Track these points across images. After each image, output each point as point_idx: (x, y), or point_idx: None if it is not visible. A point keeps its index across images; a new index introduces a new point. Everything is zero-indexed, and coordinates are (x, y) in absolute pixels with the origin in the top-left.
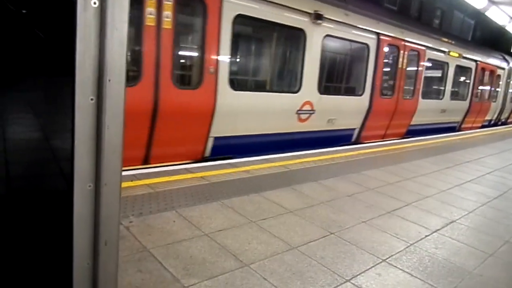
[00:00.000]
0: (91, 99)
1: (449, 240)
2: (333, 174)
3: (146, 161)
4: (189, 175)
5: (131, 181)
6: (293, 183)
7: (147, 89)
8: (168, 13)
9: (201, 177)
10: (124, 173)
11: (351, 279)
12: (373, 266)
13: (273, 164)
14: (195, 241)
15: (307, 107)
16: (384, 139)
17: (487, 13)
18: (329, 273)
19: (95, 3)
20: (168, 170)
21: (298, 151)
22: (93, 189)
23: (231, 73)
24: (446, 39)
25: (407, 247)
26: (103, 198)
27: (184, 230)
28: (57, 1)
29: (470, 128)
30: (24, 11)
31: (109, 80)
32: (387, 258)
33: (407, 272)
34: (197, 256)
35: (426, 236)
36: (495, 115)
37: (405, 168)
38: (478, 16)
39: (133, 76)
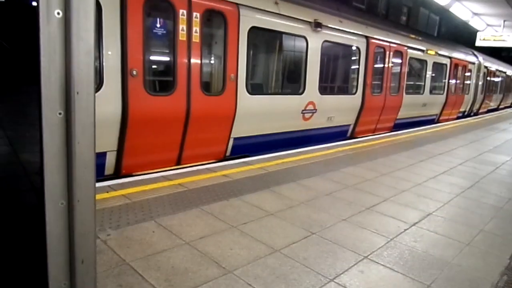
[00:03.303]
0: (59, 114)
1: (427, 232)
2: (311, 174)
3: (178, 162)
4: (166, 183)
5: (107, 192)
6: (272, 185)
7: (181, 97)
8: (196, 28)
9: (179, 184)
10: (98, 184)
11: (334, 278)
12: (355, 264)
13: (251, 166)
14: (176, 251)
15: (310, 107)
16: (375, 133)
17: (451, 9)
18: (312, 273)
19: (58, 13)
20: (144, 179)
21: (303, 147)
22: (66, 206)
23: (247, 78)
24: (422, 38)
25: (387, 242)
26: (77, 215)
27: (164, 240)
28: (20, 12)
29: (447, 120)
30: None
31: (77, 93)
32: (368, 255)
33: (388, 268)
34: (179, 266)
35: (405, 230)
36: (468, 107)
37: (381, 163)
38: (443, 12)
39: (169, 85)
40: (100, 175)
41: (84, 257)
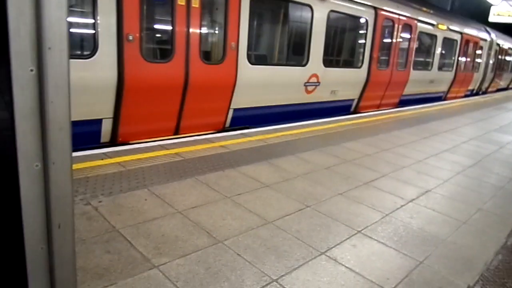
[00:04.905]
0: (31, 70)
1: (424, 209)
2: (311, 147)
3: (176, 132)
4: (163, 152)
5: (101, 159)
6: (271, 157)
7: (179, 65)
8: None
9: (175, 153)
10: (93, 151)
11: (326, 251)
12: (348, 238)
13: (250, 138)
14: (167, 219)
15: (313, 80)
16: (379, 109)
17: None
18: (304, 246)
19: None
20: (140, 147)
21: (305, 120)
22: (41, 168)
23: (249, 48)
24: (433, 12)
25: (382, 218)
26: (52, 178)
27: (156, 208)
28: None
29: (455, 98)
30: None
31: (49, 48)
32: (362, 229)
33: (381, 243)
34: (169, 235)
35: (402, 206)
36: (477, 85)
37: (383, 139)
38: None
39: (166, 52)
40: (96, 142)
41: (61, 221)
